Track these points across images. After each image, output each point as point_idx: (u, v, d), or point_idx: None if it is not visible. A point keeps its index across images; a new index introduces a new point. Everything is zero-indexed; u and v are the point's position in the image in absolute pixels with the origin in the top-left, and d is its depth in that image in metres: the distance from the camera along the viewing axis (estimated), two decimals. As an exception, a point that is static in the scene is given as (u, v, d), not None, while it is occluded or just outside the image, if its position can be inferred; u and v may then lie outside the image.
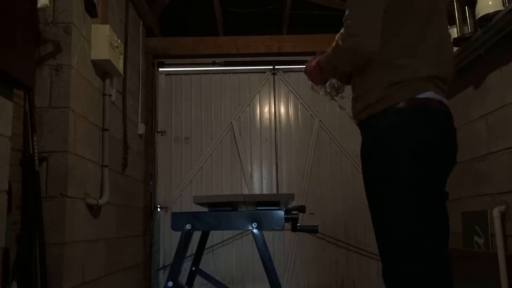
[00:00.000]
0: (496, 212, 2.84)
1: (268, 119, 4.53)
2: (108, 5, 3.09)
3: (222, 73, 4.59)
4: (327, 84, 1.69)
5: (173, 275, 1.63)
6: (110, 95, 3.05)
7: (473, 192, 3.17)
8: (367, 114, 1.45)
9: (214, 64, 4.57)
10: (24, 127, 2.25)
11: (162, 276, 4.25)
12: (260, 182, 4.43)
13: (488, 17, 2.75)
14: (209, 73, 4.59)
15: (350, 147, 4.44)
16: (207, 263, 4.18)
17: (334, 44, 1.47)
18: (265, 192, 4.38)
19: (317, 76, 1.64)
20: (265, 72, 4.58)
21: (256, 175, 4.43)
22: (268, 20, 4.50)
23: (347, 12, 1.44)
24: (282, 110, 4.54)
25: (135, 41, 3.87)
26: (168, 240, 4.31)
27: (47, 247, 2.24)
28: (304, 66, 1.72)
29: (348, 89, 1.66)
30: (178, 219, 1.65)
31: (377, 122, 1.42)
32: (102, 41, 2.80)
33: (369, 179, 1.46)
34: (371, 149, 1.44)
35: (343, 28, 1.44)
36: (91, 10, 2.72)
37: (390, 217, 1.41)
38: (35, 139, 2.24)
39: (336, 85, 1.68)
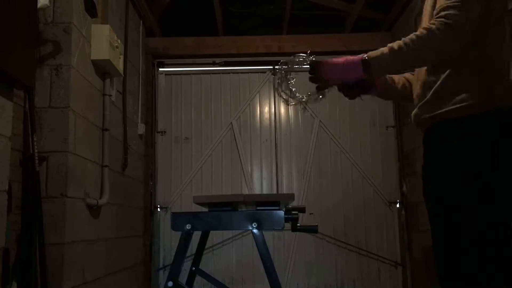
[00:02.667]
0: (496, 212, 2.84)
1: (268, 119, 4.53)
2: (108, 5, 3.09)
3: (222, 73, 4.59)
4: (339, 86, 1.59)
5: (173, 275, 1.63)
6: (110, 95, 3.05)
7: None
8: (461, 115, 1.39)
9: (214, 64, 4.57)
10: (24, 127, 2.25)
11: (162, 276, 4.25)
12: (260, 182, 4.43)
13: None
14: (209, 73, 4.58)
15: (350, 147, 4.44)
16: (207, 263, 4.18)
17: (420, 32, 1.35)
18: (265, 192, 4.38)
19: (352, 74, 1.47)
20: (265, 72, 4.58)
21: (256, 175, 4.43)
22: (268, 20, 4.49)
23: (446, 4, 1.34)
24: (282, 110, 4.54)
25: (135, 41, 3.87)
26: (168, 240, 4.31)
27: (47, 247, 2.24)
28: (311, 64, 1.55)
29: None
30: (178, 219, 1.65)
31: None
32: (102, 41, 2.80)
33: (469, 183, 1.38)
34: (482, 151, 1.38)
35: (440, 17, 1.33)
36: (91, 10, 2.72)
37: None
38: (35, 139, 2.24)
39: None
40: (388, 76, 1.70)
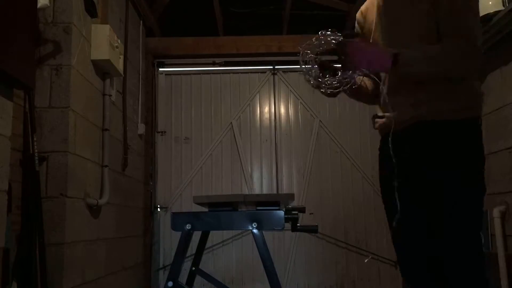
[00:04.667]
0: (496, 212, 2.84)
1: (268, 119, 4.53)
2: (108, 5, 3.09)
3: (222, 73, 4.59)
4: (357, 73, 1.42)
5: (173, 275, 1.63)
6: (110, 95, 3.05)
7: (473, 192, 3.16)
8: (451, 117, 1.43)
9: (214, 64, 4.57)
10: (24, 127, 2.25)
11: (162, 276, 4.25)
12: (260, 182, 4.43)
13: (488, 17, 2.76)
14: (209, 73, 4.58)
15: (350, 147, 4.44)
16: (207, 263, 4.18)
17: (465, 44, 1.36)
18: (265, 192, 4.38)
19: (381, 62, 1.39)
20: (265, 72, 4.58)
21: (256, 175, 4.43)
22: (268, 20, 4.49)
23: (466, 20, 1.37)
24: (282, 110, 4.54)
25: (135, 41, 3.87)
26: (168, 240, 4.31)
27: (47, 247, 2.24)
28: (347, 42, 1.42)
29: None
30: (178, 219, 1.65)
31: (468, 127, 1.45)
32: (102, 41, 2.80)
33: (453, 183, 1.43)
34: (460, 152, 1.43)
35: (471, 38, 1.36)
36: (91, 10, 2.72)
37: (474, 223, 1.42)
38: (35, 139, 2.24)
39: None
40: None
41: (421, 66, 1.38)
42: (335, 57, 1.42)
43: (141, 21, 4.06)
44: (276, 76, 4.57)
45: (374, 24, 1.62)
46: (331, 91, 1.47)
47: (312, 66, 1.43)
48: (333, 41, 1.43)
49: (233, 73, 4.59)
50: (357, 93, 1.68)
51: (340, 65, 1.43)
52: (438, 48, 1.39)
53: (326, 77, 1.42)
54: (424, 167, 1.46)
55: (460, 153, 1.42)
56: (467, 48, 1.36)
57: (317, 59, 1.43)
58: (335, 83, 1.40)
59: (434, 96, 1.44)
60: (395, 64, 1.36)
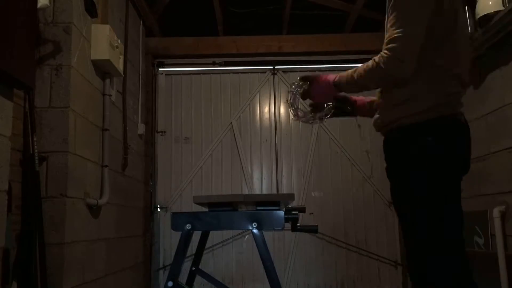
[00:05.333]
0: (496, 212, 2.84)
1: (268, 119, 4.53)
2: (108, 5, 3.09)
3: (222, 73, 4.59)
4: (327, 107, 1.75)
5: (173, 275, 1.63)
6: (110, 95, 3.05)
7: (473, 192, 3.17)
8: (416, 121, 1.48)
9: (214, 64, 4.57)
10: (24, 127, 2.25)
11: (162, 276, 4.25)
12: (260, 182, 4.43)
13: (488, 17, 2.76)
14: (209, 73, 4.59)
15: (350, 147, 4.44)
16: (207, 263, 4.18)
17: (371, 63, 1.47)
18: (265, 192, 4.38)
19: (329, 93, 1.66)
20: (265, 72, 4.59)
21: (256, 175, 4.43)
22: (268, 20, 4.49)
23: (394, 30, 1.41)
24: (282, 110, 4.54)
25: (135, 41, 3.87)
26: (168, 240, 4.31)
27: (47, 247, 2.24)
28: (298, 88, 1.74)
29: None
30: (178, 219, 1.65)
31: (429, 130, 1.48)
32: (102, 41, 2.80)
33: (416, 183, 1.49)
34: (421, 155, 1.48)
35: (386, 49, 1.42)
36: (91, 10, 2.72)
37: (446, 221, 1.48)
38: (35, 139, 2.24)
39: (329, 111, 1.76)
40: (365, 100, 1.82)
41: (351, 85, 1.58)
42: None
43: (141, 21, 4.06)
44: (276, 76, 4.57)
45: None
46: (306, 120, 1.82)
47: (294, 103, 1.78)
48: (298, 89, 1.76)
49: (233, 73, 4.59)
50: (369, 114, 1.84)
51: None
52: (361, 67, 1.52)
53: (311, 113, 1.79)
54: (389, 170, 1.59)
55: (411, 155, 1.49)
56: (378, 63, 1.44)
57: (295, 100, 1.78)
58: (310, 116, 1.78)
59: (395, 102, 1.53)
60: (339, 88, 1.61)
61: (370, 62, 1.48)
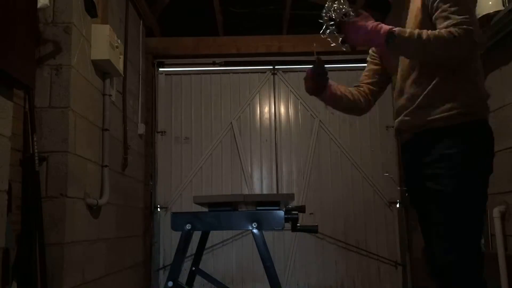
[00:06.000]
0: (496, 212, 2.84)
1: (268, 119, 4.53)
2: (108, 5, 3.09)
3: (222, 73, 4.59)
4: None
5: (173, 275, 1.63)
6: (110, 95, 3.05)
7: (473, 192, 3.16)
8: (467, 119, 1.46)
9: (214, 64, 4.57)
10: (24, 127, 2.25)
11: (162, 276, 4.25)
12: (260, 182, 4.43)
13: (488, 17, 2.75)
14: (209, 73, 4.58)
15: (350, 147, 4.44)
16: (207, 263, 4.18)
17: (444, 32, 1.40)
18: (265, 192, 4.38)
19: (375, 40, 1.51)
20: (265, 72, 4.58)
21: (256, 175, 4.43)
22: (268, 20, 4.49)
23: (458, 15, 1.40)
24: (282, 110, 4.54)
25: (135, 41, 3.86)
26: (168, 240, 4.31)
27: (47, 247, 2.24)
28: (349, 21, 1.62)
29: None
30: (178, 219, 1.65)
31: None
32: (102, 41, 2.80)
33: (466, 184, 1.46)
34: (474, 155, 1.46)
35: (462, 28, 1.38)
36: (91, 10, 2.72)
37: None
38: (35, 139, 2.24)
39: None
40: (340, 89, 1.77)
41: (410, 45, 1.45)
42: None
43: (141, 21, 4.06)
44: (276, 76, 4.57)
45: None
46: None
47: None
48: (341, 13, 1.66)
49: (233, 73, 4.59)
50: (335, 103, 1.81)
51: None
52: (431, 32, 1.43)
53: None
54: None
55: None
56: (454, 34, 1.39)
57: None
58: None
59: (429, 103, 1.50)
60: (389, 42, 1.46)
61: (442, 31, 1.40)
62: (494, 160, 1.52)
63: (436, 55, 1.45)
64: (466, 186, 1.43)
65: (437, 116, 1.48)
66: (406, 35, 1.44)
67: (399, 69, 1.62)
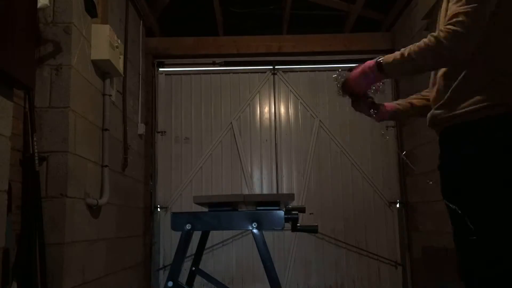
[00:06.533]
0: None
1: (268, 119, 4.53)
2: (108, 5, 3.09)
3: (222, 73, 4.59)
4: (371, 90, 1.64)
5: (173, 275, 1.63)
6: (110, 95, 3.05)
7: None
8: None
9: (214, 64, 4.57)
10: (24, 127, 2.25)
11: (162, 276, 4.25)
12: (260, 182, 4.43)
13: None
14: (209, 73, 4.59)
15: (350, 147, 4.44)
16: (207, 263, 4.18)
17: (427, 39, 1.36)
18: (265, 192, 4.38)
19: (370, 76, 1.51)
20: (265, 72, 4.59)
21: (256, 175, 4.43)
22: (268, 20, 4.50)
23: (459, 6, 1.34)
24: (282, 110, 4.54)
25: (135, 41, 3.87)
26: (168, 240, 4.31)
27: (47, 247, 2.24)
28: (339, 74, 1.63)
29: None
30: (178, 219, 1.65)
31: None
32: (102, 41, 2.80)
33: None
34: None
35: (449, 24, 1.33)
36: (91, 10, 2.72)
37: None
38: (35, 139, 2.24)
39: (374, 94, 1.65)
40: (401, 102, 1.75)
41: (399, 67, 1.45)
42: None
43: (141, 21, 4.06)
44: (276, 76, 4.57)
45: None
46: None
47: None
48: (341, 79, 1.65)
49: (233, 73, 4.59)
50: (397, 118, 1.81)
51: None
52: (413, 46, 1.40)
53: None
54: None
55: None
56: (439, 39, 1.34)
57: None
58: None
59: (456, 97, 1.43)
60: (382, 71, 1.47)
61: (425, 39, 1.36)
62: None
63: (431, 64, 1.43)
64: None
65: (464, 110, 1.40)
66: (391, 60, 1.44)
67: None
